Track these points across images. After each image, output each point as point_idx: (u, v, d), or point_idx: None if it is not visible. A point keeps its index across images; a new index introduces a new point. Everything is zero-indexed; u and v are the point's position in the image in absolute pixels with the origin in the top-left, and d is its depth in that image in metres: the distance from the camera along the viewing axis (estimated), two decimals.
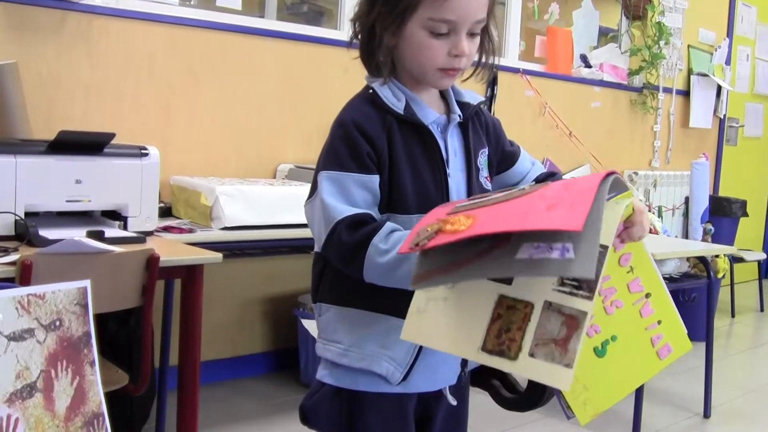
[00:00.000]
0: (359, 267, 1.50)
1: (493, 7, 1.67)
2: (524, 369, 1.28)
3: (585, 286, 1.30)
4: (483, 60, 1.72)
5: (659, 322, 1.52)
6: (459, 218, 1.33)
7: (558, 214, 1.24)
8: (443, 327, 1.36)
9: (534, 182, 1.63)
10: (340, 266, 1.58)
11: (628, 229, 1.44)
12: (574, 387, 1.46)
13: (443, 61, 1.60)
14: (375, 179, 1.57)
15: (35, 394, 1.22)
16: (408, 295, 1.46)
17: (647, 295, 1.52)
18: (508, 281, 1.33)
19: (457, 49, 1.58)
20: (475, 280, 1.32)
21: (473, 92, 1.78)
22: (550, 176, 1.77)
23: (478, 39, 1.64)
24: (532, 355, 1.27)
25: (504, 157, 1.82)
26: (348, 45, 1.69)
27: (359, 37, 1.67)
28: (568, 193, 1.31)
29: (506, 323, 1.31)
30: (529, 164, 1.87)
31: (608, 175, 1.34)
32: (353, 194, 1.55)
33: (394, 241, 1.46)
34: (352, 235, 1.50)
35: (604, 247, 1.32)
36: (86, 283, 1.32)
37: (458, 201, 1.49)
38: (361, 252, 1.48)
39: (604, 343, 1.50)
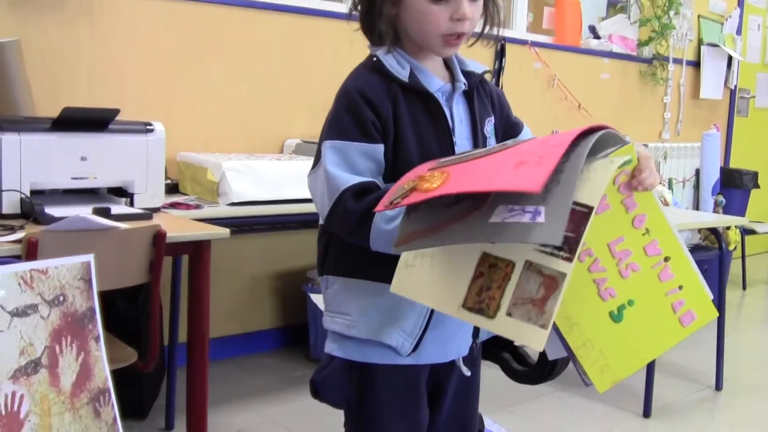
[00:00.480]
0: (365, 235, 1.49)
1: None
2: (501, 327, 1.29)
3: (566, 248, 1.28)
4: (488, 25, 1.71)
5: (680, 288, 1.49)
6: (434, 174, 1.33)
7: (522, 172, 1.23)
8: (428, 282, 1.37)
9: None
10: (344, 236, 1.57)
11: (637, 177, 1.40)
12: (590, 353, 1.45)
13: (446, 27, 1.58)
14: (379, 148, 1.56)
15: (40, 370, 1.21)
16: None
17: (666, 259, 1.48)
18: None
19: (458, 12, 1.57)
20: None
21: (477, 62, 1.76)
22: None
23: (480, 2, 1.62)
24: (509, 314, 1.28)
25: (509, 127, 1.81)
26: (347, 17, 1.69)
27: (359, 8, 1.66)
28: (541, 148, 1.30)
29: (487, 281, 1.31)
30: (530, 135, 1.83)
31: (593, 129, 1.32)
32: (357, 163, 1.54)
33: (400, 210, 1.43)
34: (357, 204, 1.49)
35: (588, 208, 1.30)
36: (89, 257, 1.30)
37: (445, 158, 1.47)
38: (368, 220, 1.48)
39: (620, 307, 1.47)
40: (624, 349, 1.49)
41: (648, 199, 1.45)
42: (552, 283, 1.27)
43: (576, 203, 1.28)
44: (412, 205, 1.34)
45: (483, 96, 1.75)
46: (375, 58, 1.64)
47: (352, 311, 1.64)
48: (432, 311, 1.60)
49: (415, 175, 1.37)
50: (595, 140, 1.31)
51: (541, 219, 1.21)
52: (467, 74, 1.72)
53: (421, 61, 1.66)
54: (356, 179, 1.52)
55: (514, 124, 1.83)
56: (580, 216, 1.29)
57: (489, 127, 1.73)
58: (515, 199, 1.24)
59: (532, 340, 1.25)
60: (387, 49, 1.63)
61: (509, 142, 1.48)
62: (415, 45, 1.65)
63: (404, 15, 1.61)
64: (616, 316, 1.47)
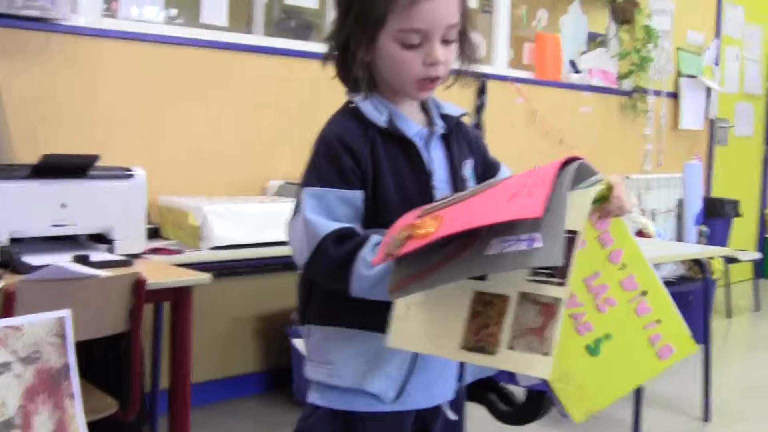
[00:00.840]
0: (346, 281, 1.47)
1: (467, 9, 1.64)
2: (504, 362, 1.28)
3: (557, 274, 1.29)
4: (464, 65, 1.70)
5: (658, 321, 1.50)
6: (426, 221, 1.33)
7: (517, 203, 1.24)
8: (425, 330, 1.36)
9: None
10: (324, 282, 1.56)
11: (609, 203, 1.42)
12: (567, 386, 1.47)
13: (420, 72, 1.58)
14: (358, 194, 1.55)
15: (13, 431, 1.18)
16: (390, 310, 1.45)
17: (643, 293, 1.50)
18: (482, 276, 1.33)
19: (431, 57, 1.57)
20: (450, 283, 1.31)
21: (454, 104, 1.76)
22: None
23: (454, 45, 1.62)
24: (511, 347, 1.28)
25: (486, 167, 1.80)
26: (323, 62, 1.68)
27: (334, 54, 1.65)
28: (528, 180, 1.31)
29: (484, 319, 1.31)
30: (509, 173, 1.83)
31: (570, 160, 1.34)
32: (336, 210, 1.53)
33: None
34: (338, 249, 1.48)
35: (573, 233, 1.32)
36: (66, 313, 1.29)
37: (428, 204, 1.47)
38: (348, 266, 1.46)
39: (597, 341, 1.48)
40: (601, 381, 1.50)
41: (623, 234, 1.47)
42: (549, 310, 1.28)
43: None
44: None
45: (461, 139, 1.75)
46: (352, 104, 1.64)
47: (335, 360, 1.62)
48: (416, 356, 1.59)
49: (406, 223, 1.37)
50: (588, 206, 1.35)
51: (539, 243, 1.22)
52: (445, 117, 1.72)
53: (398, 105, 1.66)
54: (335, 225, 1.51)
55: (491, 164, 1.83)
56: (567, 242, 1.29)
57: (468, 169, 1.73)
58: (508, 230, 1.25)
59: (537, 369, 1.25)
60: (364, 96, 1.63)
61: (491, 181, 1.49)
62: (391, 89, 1.65)
63: (378, 60, 1.61)
64: (593, 350, 1.48)
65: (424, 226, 1.31)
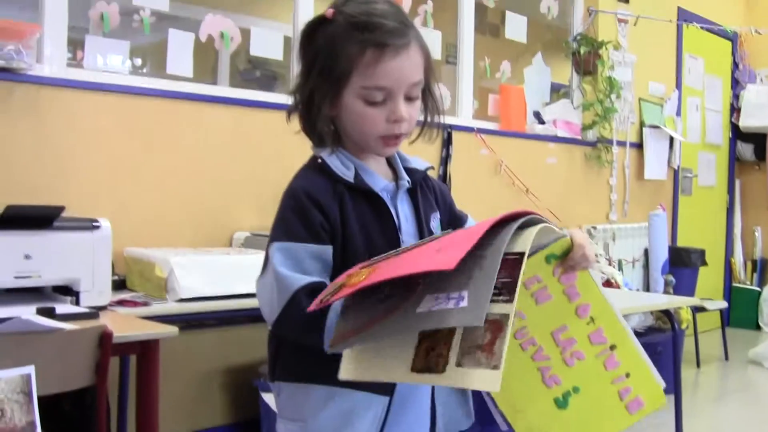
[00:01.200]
0: (319, 335, 1.44)
1: (431, 65, 1.65)
2: (453, 379, 1.26)
3: (505, 292, 1.27)
4: (429, 120, 1.71)
5: (627, 375, 1.49)
6: (362, 272, 1.34)
7: (439, 256, 1.25)
8: (375, 359, 1.34)
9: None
10: (296, 337, 1.53)
11: (567, 259, 1.43)
12: None
13: (383, 129, 1.58)
14: (328, 249, 1.54)
15: None
16: None
17: (612, 347, 1.49)
18: None
19: (394, 114, 1.57)
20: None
21: (420, 158, 1.77)
22: None
23: (418, 102, 1.63)
24: (459, 365, 1.25)
25: (453, 220, 1.81)
26: (287, 115, 1.68)
27: (299, 108, 1.65)
28: (464, 235, 1.32)
29: (432, 342, 1.29)
30: None
31: (518, 215, 1.33)
32: (306, 265, 1.52)
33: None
34: (310, 303, 1.43)
35: (520, 254, 1.29)
36: (30, 369, 1.25)
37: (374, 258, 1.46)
38: (320, 319, 1.44)
39: (565, 394, 1.48)
40: None
41: (591, 287, 1.46)
42: (497, 326, 1.25)
43: (508, 253, 1.29)
44: (349, 305, 1.35)
45: (427, 192, 1.76)
46: (320, 160, 1.63)
47: (306, 417, 1.59)
48: (387, 413, 1.57)
49: (346, 274, 1.37)
50: (534, 233, 1.32)
51: (464, 303, 1.22)
52: (410, 171, 1.72)
53: (363, 160, 1.66)
54: (308, 279, 1.49)
55: (458, 216, 1.84)
56: (513, 262, 1.29)
57: (435, 222, 1.73)
58: (442, 287, 1.26)
59: (486, 382, 1.22)
60: (330, 150, 1.63)
61: (439, 234, 1.50)
62: (355, 145, 1.65)
63: (343, 115, 1.61)
64: (561, 403, 1.48)
65: (358, 276, 1.32)
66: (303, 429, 1.60)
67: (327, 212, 1.55)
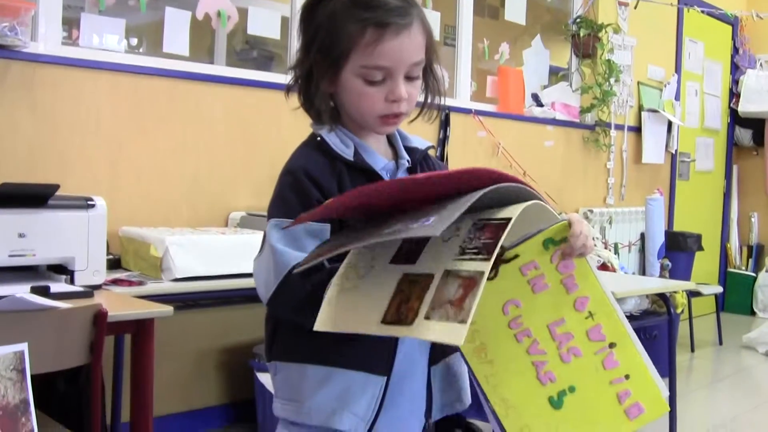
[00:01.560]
0: (312, 314, 1.39)
1: (432, 45, 1.63)
2: (419, 332, 1.23)
3: (484, 251, 1.25)
4: (429, 100, 1.70)
5: (627, 377, 1.42)
6: None
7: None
8: (351, 311, 1.32)
9: None
10: (290, 314, 1.53)
11: (565, 245, 1.38)
12: None
13: (382, 108, 1.57)
14: (325, 227, 1.52)
15: None
16: (366, 346, 1.47)
17: (611, 345, 1.42)
18: (412, 261, 1.32)
19: (393, 94, 1.55)
20: (355, 253, 1.33)
21: (420, 137, 1.76)
22: None
23: (418, 81, 1.61)
24: (427, 318, 1.23)
25: None
26: (286, 92, 1.66)
27: (298, 83, 1.63)
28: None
29: (406, 296, 1.27)
30: None
31: (511, 180, 1.31)
32: (303, 242, 1.50)
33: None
34: (306, 281, 1.45)
35: (507, 219, 1.27)
36: (23, 346, 1.24)
37: None
38: (316, 297, 1.40)
39: (560, 393, 1.42)
40: None
41: (590, 279, 1.41)
42: (470, 283, 1.22)
43: (495, 218, 1.28)
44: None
45: (427, 171, 1.73)
46: (319, 138, 1.62)
47: (302, 397, 1.58)
48: (384, 394, 1.56)
49: None
50: (529, 213, 1.30)
51: (428, 222, 1.22)
52: (410, 150, 1.71)
53: (363, 138, 1.65)
54: (303, 256, 1.46)
55: None
56: (497, 226, 1.27)
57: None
58: (427, 212, 1.26)
59: (451, 336, 1.19)
60: (329, 128, 1.62)
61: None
62: (354, 122, 1.64)
63: (342, 93, 1.60)
64: (556, 402, 1.42)
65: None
66: (299, 409, 1.58)
67: (325, 190, 1.54)
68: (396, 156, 1.70)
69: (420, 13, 1.59)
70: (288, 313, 1.54)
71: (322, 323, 1.33)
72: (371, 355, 1.55)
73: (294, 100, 1.66)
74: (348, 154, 1.60)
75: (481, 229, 1.29)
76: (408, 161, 1.69)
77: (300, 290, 1.45)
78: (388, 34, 1.52)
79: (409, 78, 1.58)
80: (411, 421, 1.65)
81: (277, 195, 1.58)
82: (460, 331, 1.19)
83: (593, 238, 5.42)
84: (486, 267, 1.23)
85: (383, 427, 1.58)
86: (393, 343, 1.56)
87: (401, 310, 1.27)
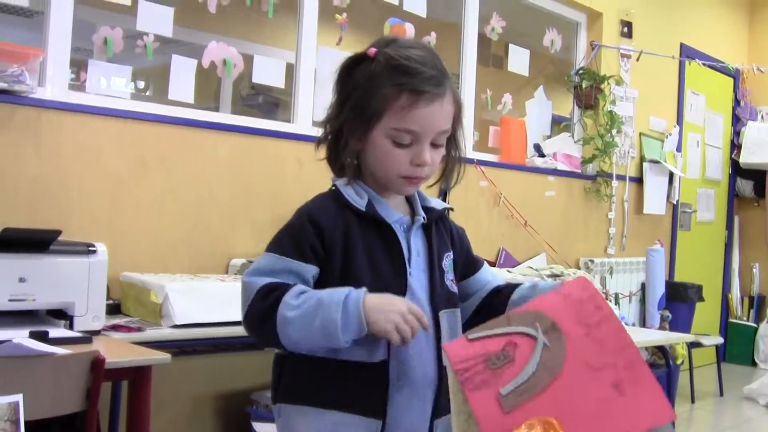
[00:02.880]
0: (274, 331, 1.51)
1: (460, 116, 1.71)
2: None
3: None
4: (450, 166, 1.78)
5: None
6: (534, 424, 1.23)
7: (637, 403, 1.22)
8: None
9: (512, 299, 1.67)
10: (261, 338, 1.60)
11: None
12: None
13: (406, 170, 1.64)
14: (309, 269, 1.60)
15: None
16: (359, 388, 1.57)
17: None
18: None
19: (419, 158, 1.63)
20: None
21: (438, 200, 1.83)
22: (510, 288, 1.80)
23: (442, 149, 1.69)
24: None
25: (468, 262, 1.85)
26: (316, 145, 1.73)
27: (328, 138, 1.71)
28: (612, 358, 1.29)
29: None
30: (490, 275, 1.90)
31: None
32: (281, 278, 1.57)
33: (304, 300, 1.50)
34: (264, 301, 1.53)
35: None
36: (18, 397, 1.25)
37: (482, 366, 1.33)
38: (272, 314, 1.51)
39: None
40: None
41: None
42: None
43: None
44: None
45: (443, 231, 1.80)
46: (334, 188, 1.70)
47: None
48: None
49: (510, 427, 1.24)
50: None
51: None
52: (427, 209, 1.77)
53: (381, 194, 1.71)
54: (266, 280, 1.56)
55: (474, 260, 1.89)
56: None
57: (447, 261, 1.77)
58: None
59: None
60: (347, 181, 1.69)
61: (539, 338, 1.33)
62: (376, 180, 1.70)
63: (368, 151, 1.66)
64: None
65: None
66: None
67: (325, 235, 1.61)
68: (413, 213, 1.76)
69: (453, 86, 1.67)
70: (257, 337, 1.60)
71: None
72: (366, 397, 1.60)
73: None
74: (360, 204, 1.66)
75: None
76: (424, 218, 1.74)
77: (259, 311, 1.54)
78: (423, 101, 1.60)
79: (434, 145, 1.66)
80: None
81: (278, 231, 1.66)
82: None
83: None
84: None
85: None
86: (383, 385, 1.60)
87: None
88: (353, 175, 1.69)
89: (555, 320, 1.34)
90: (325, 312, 1.47)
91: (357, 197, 1.67)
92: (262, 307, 1.53)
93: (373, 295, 1.52)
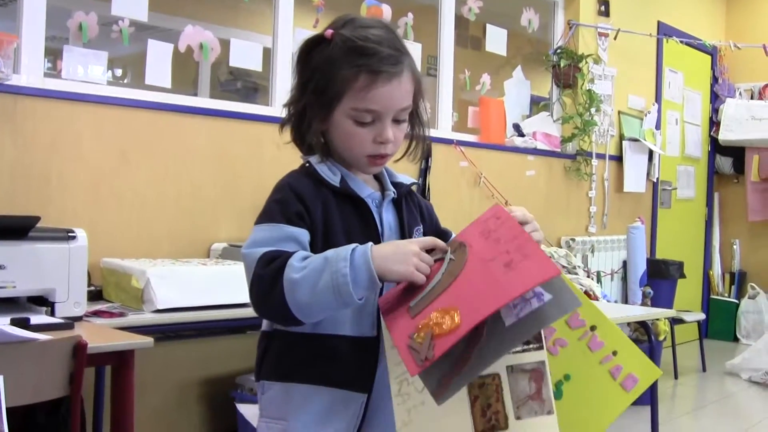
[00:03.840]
0: (282, 297, 1.50)
1: (420, 91, 1.74)
2: None
3: (533, 339, 1.38)
4: (414, 142, 1.80)
5: (614, 353, 1.52)
6: (437, 316, 1.33)
7: (523, 270, 1.28)
8: (432, 428, 1.40)
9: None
10: (268, 310, 1.57)
11: None
12: None
13: (370, 148, 1.67)
14: (303, 233, 1.60)
15: None
16: (347, 364, 1.59)
17: (592, 328, 1.54)
18: None
19: (381, 136, 1.65)
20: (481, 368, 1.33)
21: (406, 175, 1.85)
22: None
23: (404, 125, 1.71)
24: (518, 417, 1.36)
25: (438, 234, 1.85)
26: (280, 127, 1.75)
27: (291, 120, 1.72)
28: (505, 247, 1.36)
29: (485, 400, 1.37)
30: None
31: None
32: (280, 244, 1.57)
33: (310, 261, 1.49)
34: (267, 269, 1.53)
35: None
36: None
37: (401, 299, 1.47)
38: (278, 279, 1.50)
39: (557, 384, 1.52)
40: (572, 425, 1.51)
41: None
42: (537, 374, 1.37)
43: None
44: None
45: (412, 206, 1.83)
46: (307, 164, 1.71)
47: (287, 416, 1.64)
48: (365, 411, 1.62)
49: (415, 326, 1.35)
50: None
51: (546, 296, 1.29)
52: (396, 185, 1.79)
53: (351, 171, 1.73)
54: (264, 249, 1.55)
55: (443, 232, 1.90)
56: None
57: (417, 235, 1.79)
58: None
59: (547, 429, 1.36)
60: (319, 159, 1.71)
61: (448, 255, 1.49)
62: (343, 160, 1.73)
63: (332, 132, 1.69)
64: (556, 394, 1.50)
65: (442, 322, 1.31)
66: (284, 427, 1.65)
67: (308, 206, 1.62)
68: (382, 189, 1.78)
69: (411, 62, 1.69)
70: (264, 309, 1.58)
71: None
72: (352, 372, 1.62)
73: (278, 134, 1.73)
74: (335, 180, 1.68)
75: None
76: (394, 193, 1.76)
77: (263, 279, 1.53)
78: (380, 81, 1.61)
79: (396, 121, 1.68)
80: None
81: (264, 207, 1.66)
82: (552, 422, 1.36)
83: (576, 267, 5.46)
84: (544, 355, 1.38)
85: None
86: (373, 360, 1.62)
87: (488, 416, 1.37)
88: (323, 154, 1.72)
89: (464, 240, 1.47)
90: (333, 268, 1.45)
91: (330, 174, 1.68)
92: (266, 274, 1.51)
93: (379, 245, 1.52)
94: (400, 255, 1.48)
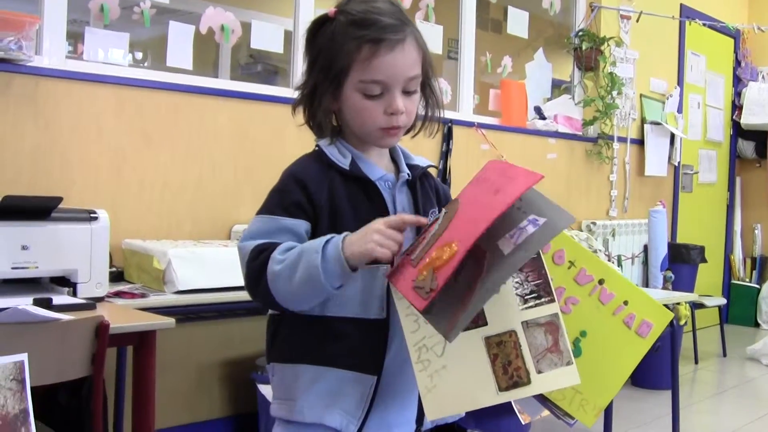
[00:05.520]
0: (266, 286, 1.52)
1: (428, 61, 1.72)
2: (541, 386, 1.41)
3: (543, 293, 1.42)
4: (429, 114, 1.78)
5: (626, 303, 1.55)
6: (437, 251, 1.37)
7: (510, 186, 1.34)
8: (457, 391, 1.42)
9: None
10: (260, 300, 1.59)
11: None
12: (564, 393, 1.54)
13: (382, 121, 1.65)
14: (301, 224, 1.61)
15: None
16: (355, 346, 1.59)
17: (600, 282, 1.56)
18: (483, 323, 1.42)
19: (391, 107, 1.64)
20: (474, 313, 1.35)
21: (423, 157, 1.83)
22: None
23: (416, 96, 1.70)
24: (539, 371, 1.39)
25: None
26: (293, 109, 1.75)
27: (303, 101, 1.72)
28: (493, 181, 1.42)
29: (504, 358, 1.40)
30: None
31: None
32: (276, 237, 1.58)
33: (289, 254, 1.51)
34: (256, 260, 1.54)
35: (537, 253, 1.42)
36: (23, 356, 1.25)
37: (405, 262, 1.48)
38: (264, 269, 1.52)
39: (575, 341, 1.54)
40: (595, 379, 1.54)
41: (560, 235, 1.52)
42: (552, 326, 1.40)
43: None
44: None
45: (427, 188, 1.81)
46: (317, 148, 1.71)
47: (296, 396, 1.65)
48: (375, 393, 1.61)
49: (418, 271, 1.38)
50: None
51: (542, 220, 1.33)
52: (412, 167, 1.78)
53: (364, 152, 1.72)
54: (255, 242, 1.57)
55: None
56: (533, 263, 1.43)
57: (432, 217, 1.75)
58: (507, 229, 1.34)
59: (568, 379, 1.41)
60: (329, 141, 1.71)
61: (444, 211, 1.52)
62: (356, 137, 1.72)
63: (343, 109, 1.68)
64: (575, 351, 1.52)
65: (441, 254, 1.35)
66: (293, 408, 1.65)
67: (311, 192, 1.62)
68: (397, 170, 1.76)
69: (414, 30, 1.68)
70: (258, 299, 1.60)
71: (433, 412, 1.43)
72: (361, 354, 1.61)
73: (299, 116, 1.73)
74: (344, 163, 1.67)
75: (521, 271, 1.43)
76: (408, 175, 1.75)
77: (251, 272, 1.55)
78: (383, 50, 1.61)
79: (406, 92, 1.66)
80: (402, 425, 1.69)
81: (265, 197, 1.67)
82: (572, 371, 1.41)
83: (597, 250, 5.44)
84: (556, 308, 1.42)
85: (373, 426, 1.63)
86: (382, 342, 1.62)
87: (510, 373, 1.40)
88: (334, 135, 1.71)
89: (458, 197, 1.50)
90: (306, 260, 1.47)
91: (340, 156, 1.68)
92: (254, 267, 1.54)
93: (353, 233, 1.52)
94: (362, 236, 1.48)
